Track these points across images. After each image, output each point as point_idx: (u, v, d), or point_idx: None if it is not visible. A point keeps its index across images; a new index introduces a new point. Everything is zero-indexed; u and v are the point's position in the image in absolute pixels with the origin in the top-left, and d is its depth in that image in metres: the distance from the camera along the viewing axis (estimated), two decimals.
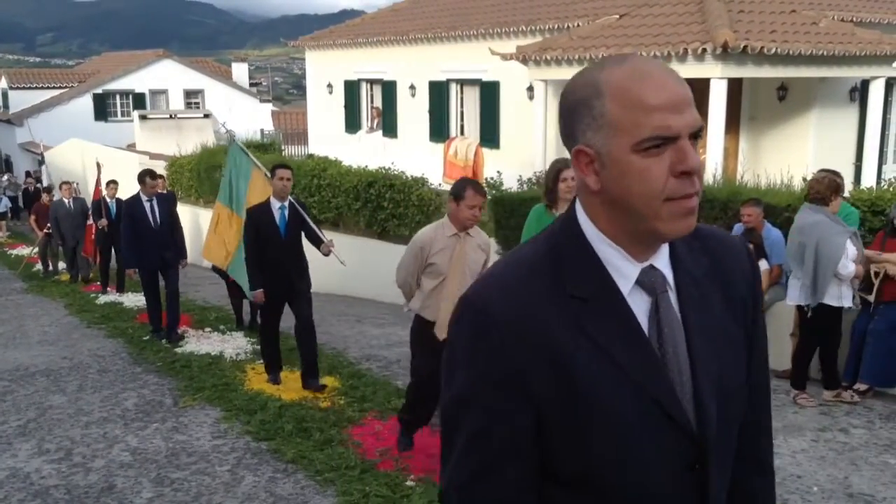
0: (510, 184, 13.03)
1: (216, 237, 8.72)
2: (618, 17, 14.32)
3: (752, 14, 12.86)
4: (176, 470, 5.21)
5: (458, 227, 4.94)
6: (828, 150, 13.03)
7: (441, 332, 4.78)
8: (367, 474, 4.91)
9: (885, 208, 7.33)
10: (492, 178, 13.68)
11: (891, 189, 7.84)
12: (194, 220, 15.78)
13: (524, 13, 17.07)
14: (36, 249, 16.29)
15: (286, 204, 6.80)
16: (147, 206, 8.75)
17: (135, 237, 8.73)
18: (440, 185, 15.74)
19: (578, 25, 14.79)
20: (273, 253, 6.62)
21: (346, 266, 7.69)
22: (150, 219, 8.72)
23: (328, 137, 22.25)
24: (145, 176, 8.87)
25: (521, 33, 16.01)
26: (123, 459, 5.43)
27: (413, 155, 17.81)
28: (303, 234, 6.94)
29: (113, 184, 12.62)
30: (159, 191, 9.16)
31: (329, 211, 13.16)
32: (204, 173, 16.84)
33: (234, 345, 8.48)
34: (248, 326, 9.37)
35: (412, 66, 19.18)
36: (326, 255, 7.03)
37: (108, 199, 12.50)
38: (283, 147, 22.24)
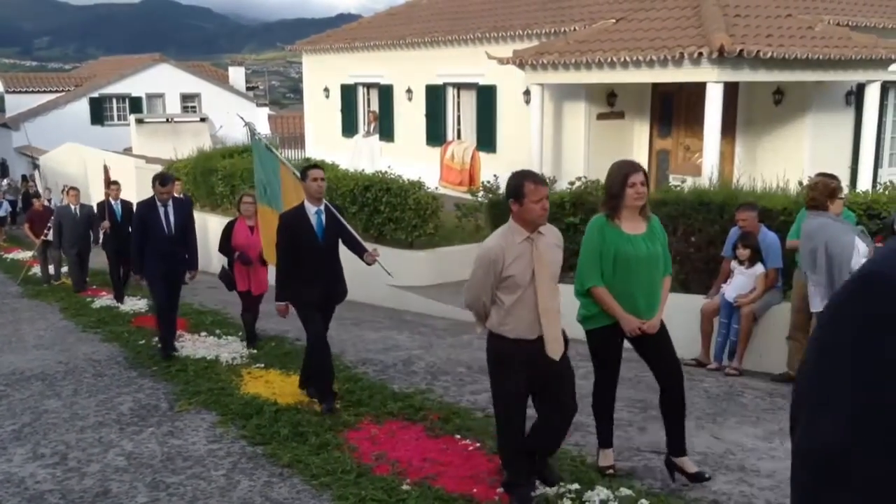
0: None
1: (267, 238, 8.06)
2: (615, 21, 14.34)
3: (748, 18, 12.89)
4: (171, 474, 5.19)
5: (528, 228, 4.38)
6: (824, 154, 13.05)
7: (554, 349, 4.39)
8: (362, 479, 4.90)
9: (880, 212, 7.35)
10: (488, 182, 13.67)
11: (886, 192, 7.85)
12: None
13: (521, 17, 17.09)
14: (34, 254, 15.82)
15: (322, 208, 6.33)
16: (161, 211, 8.23)
17: (144, 243, 8.24)
18: (437, 188, 15.76)
19: (575, 29, 14.81)
20: (311, 262, 6.21)
21: (392, 277, 7.32)
22: (164, 224, 8.20)
23: (325, 141, 22.25)
24: (155, 181, 8.42)
25: (517, 37, 16.02)
26: (118, 464, 5.41)
27: (410, 159, 17.81)
28: (339, 241, 6.54)
29: (115, 185, 12.35)
30: (175, 195, 8.90)
31: None
32: (200, 177, 16.82)
33: (230, 349, 8.46)
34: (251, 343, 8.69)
35: (409, 71, 19.18)
36: (370, 264, 6.55)
37: (111, 202, 12.20)
38: (279, 151, 22.18)
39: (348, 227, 6.54)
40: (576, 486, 4.67)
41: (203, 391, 6.93)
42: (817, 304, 6.43)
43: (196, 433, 5.95)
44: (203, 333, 9.34)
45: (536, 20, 16.48)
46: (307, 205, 6.32)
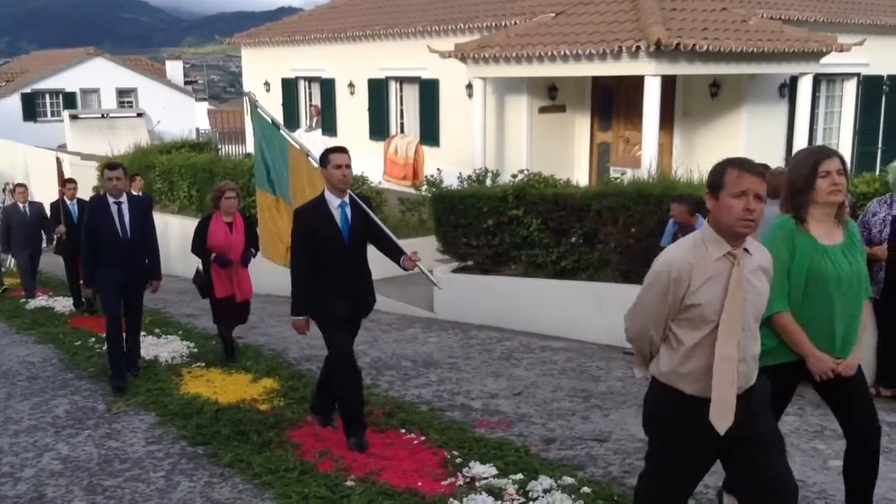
0: (450, 181, 13.04)
1: (267, 231, 7.08)
2: (554, 15, 14.44)
3: (685, 12, 13.11)
4: (109, 477, 5.08)
5: (730, 238, 3.09)
6: (759, 145, 13.35)
7: (719, 419, 3.07)
8: (306, 475, 4.86)
9: None
10: (432, 176, 13.69)
11: None
12: None
13: (462, 11, 17.11)
14: None
15: (347, 200, 5.29)
16: (114, 209, 6.94)
17: (95, 248, 6.95)
18: (380, 183, 15.70)
19: (516, 23, 14.88)
20: (334, 266, 5.20)
21: (441, 288, 6.51)
22: (117, 226, 6.94)
23: None
24: (104, 170, 7.20)
25: (459, 31, 16.04)
26: (54, 468, 5.27)
27: (353, 153, 17.67)
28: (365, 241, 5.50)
29: (71, 183, 11.09)
30: (134, 192, 8.20)
31: None
32: (138, 173, 16.46)
33: (170, 348, 8.30)
34: (231, 356, 7.81)
35: (351, 64, 19.06)
36: (409, 270, 5.49)
37: (66, 201, 10.95)
38: (219, 146, 21.87)
39: (380, 223, 5.51)
40: (520, 475, 4.70)
41: (141, 392, 6.79)
42: None
43: (134, 435, 5.83)
44: (141, 333, 9.13)
45: (477, 14, 16.52)
46: (329, 197, 5.25)
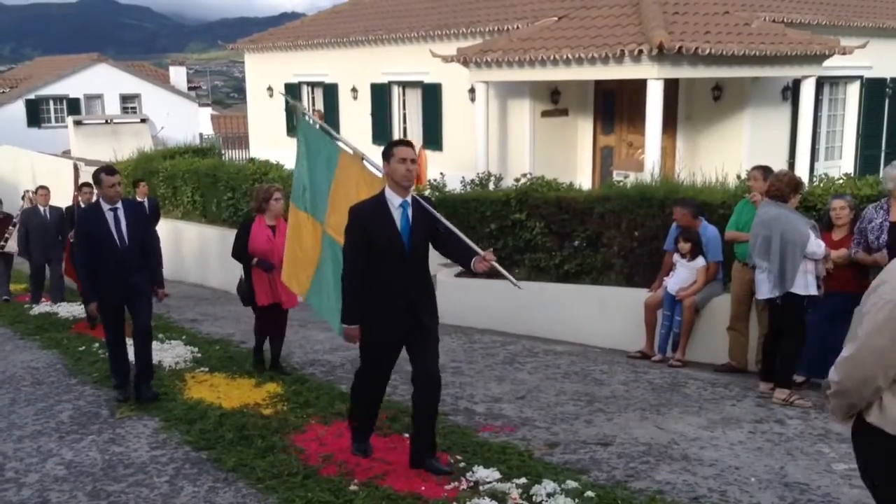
0: (453, 185, 13.03)
1: (292, 253, 6.11)
2: (556, 19, 14.46)
3: (687, 16, 13.12)
4: (113, 482, 5.08)
5: None
6: (762, 148, 13.34)
7: None
8: (309, 480, 4.86)
9: (816, 204, 7.54)
10: (435, 180, 13.66)
11: (821, 185, 8.05)
12: None
13: (464, 15, 17.13)
14: None
15: (409, 200, 4.77)
16: (110, 216, 6.51)
17: (91, 259, 6.54)
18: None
19: (518, 27, 14.89)
20: (391, 273, 4.70)
21: (521, 288, 6.31)
22: (115, 235, 6.49)
23: (269, 141, 22.01)
24: (101, 173, 6.61)
25: (461, 35, 16.05)
26: (58, 473, 5.28)
27: None
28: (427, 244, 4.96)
29: (88, 187, 10.46)
30: (139, 198, 7.99)
31: None
32: (143, 178, 16.49)
33: (174, 353, 8.30)
34: (274, 368, 7.48)
35: (353, 69, 19.09)
36: (483, 271, 4.84)
37: (82, 206, 10.19)
38: (223, 151, 21.93)
39: (447, 223, 4.89)
40: (523, 479, 4.69)
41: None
42: (765, 292, 6.55)
43: (138, 440, 5.83)
44: None
45: (480, 18, 16.54)
46: (389, 194, 4.73)
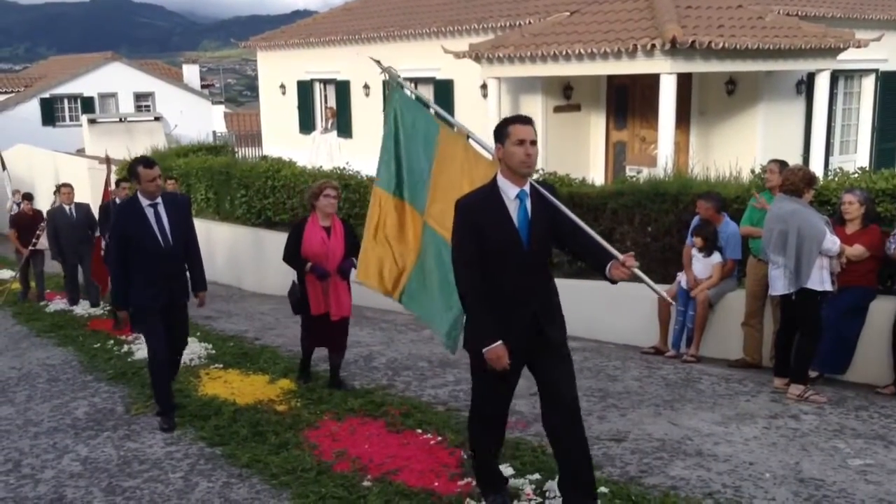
0: None
1: (373, 244, 5.32)
2: (569, 14, 14.41)
3: (700, 10, 13.04)
4: (128, 478, 5.11)
5: None
6: (776, 143, 13.25)
7: None
8: (322, 476, 4.88)
9: (830, 198, 7.48)
10: None
11: (836, 180, 7.99)
12: None
13: (476, 11, 17.10)
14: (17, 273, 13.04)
15: (527, 189, 3.99)
16: (150, 212, 5.88)
17: (126, 261, 5.86)
18: None
19: (530, 23, 14.85)
20: (509, 278, 3.92)
21: (672, 303, 5.48)
22: (156, 232, 5.87)
23: (282, 138, 22.07)
24: (137, 166, 5.87)
25: (473, 31, 16.03)
26: (74, 469, 5.32)
27: (368, 155, 17.72)
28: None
29: (125, 182, 9.94)
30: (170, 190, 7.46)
31: (284, 212, 13.03)
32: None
33: (188, 350, 8.24)
34: (333, 384, 6.75)
35: (366, 66, 19.00)
36: (621, 279, 3.99)
37: (118, 203, 9.62)
38: (236, 149, 22.00)
39: (574, 218, 4.09)
40: (536, 475, 4.69)
41: None
42: (780, 288, 6.51)
43: (153, 436, 5.86)
44: None
45: (491, 14, 16.51)
46: (503, 183, 3.96)
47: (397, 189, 5.29)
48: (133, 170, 5.90)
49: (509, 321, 3.94)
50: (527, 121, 3.96)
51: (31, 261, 12.42)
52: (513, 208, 3.95)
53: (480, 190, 4.09)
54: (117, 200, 9.73)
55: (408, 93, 5.43)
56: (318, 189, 6.55)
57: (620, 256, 3.95)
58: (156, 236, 5.86)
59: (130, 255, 5.84)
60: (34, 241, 12.18)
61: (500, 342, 3.87)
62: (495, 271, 3.93)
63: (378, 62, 5.60)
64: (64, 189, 11.47)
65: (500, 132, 3.97)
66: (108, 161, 10.45)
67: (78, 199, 11.69)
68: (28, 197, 13.47)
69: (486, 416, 4.19)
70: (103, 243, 9.95)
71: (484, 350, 3.89)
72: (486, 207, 3.94)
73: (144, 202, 5.91)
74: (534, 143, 3.92)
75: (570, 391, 4.06)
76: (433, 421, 5.78)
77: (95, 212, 11.27)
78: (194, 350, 8.31)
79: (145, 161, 5.96)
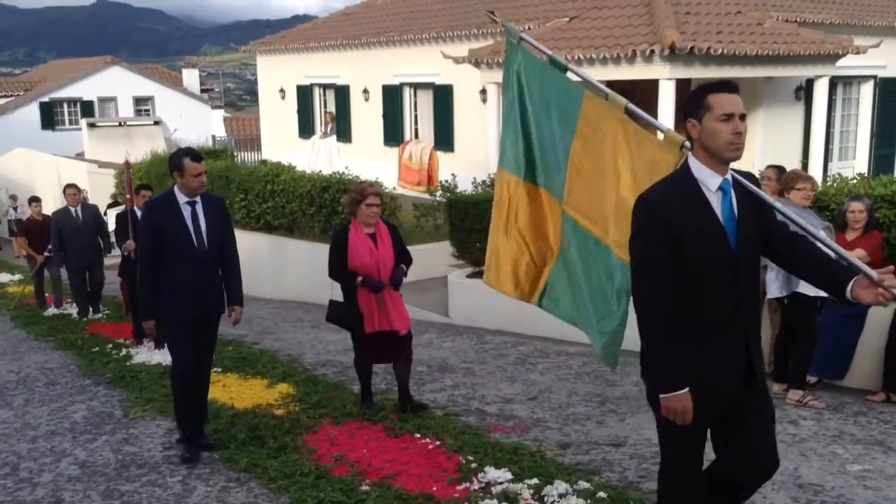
0: (465, 186, 13.05)
1: (510, 242, 4.47)
2: (568, 19, 14.44)
3: (699, 16, 13.08)
4: (126, 482, 5.10)
5: None
6: (775, 148, 13.29)
7: None
8: (321, 480, 4.87)
9: (829, 204, 7.49)
10: (446, 181, 13.68)
11: (835, 185, 8.00)
12: None
13: (475, 17, 17.13)
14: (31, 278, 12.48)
15: (730, 179, 3.10)
16: (187, 211, 5.22)
17: (154, 264, 5.18)
18: (395, 188, 15.74)
19: (529, 28, 14.88)
20: (715, 298, 3.05)
21: None
22: (192, 233, 5.19)
23: (282, 143, 22.09)
24: (184, 157, 5.18)
25: (472, 37, 16.06)
26: (72, 473, 5.31)
27: (367, 159, 17.76)
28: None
29: (146, 190, 9.30)
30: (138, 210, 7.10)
31: (283, 217, 13.03)
32: (155, 181, 16.58)
33: None
34: (406, 408, 6.00)
35: (365, 71, 19.13)
36: (874, 304, 3.00)
37: (137, 211, 8.80)
38: (235, 153, 22.03)
39: (796, 219, 3.23)
40: (535, 480, 4.69)
41: (158, 397, 6.82)
42: (775, 291, 6.52)
43: (151, 440, 5.85)
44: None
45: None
46: (699, 170, 3.09)
47: (528, 172, 4.37)
48: (177, 161, 5.17)
49: (711, 357, 3.06)
50: (733, 88, 3.07)
51: (45, 267, 11.92)
52: (715, 203, 3.07)
53: (668, 181, 3.19)
54: (137, 210, 8.90)
55: (529, 51, 4.43)
56: (360, 195, 5.79)
57: (874, 274, 2.92)
58: (191, 238, 5.17)
59: (160, 258, 5.18)
60: (49, 248, 11.35)
61: (685, 390, 3.03)
62: (694, 289, 3.04)
63: (492, 13, 4.83)
64: (69, 190, 10.76)
65: (697, 103, 3.08)
66: (128, 166, 9.86)
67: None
68: (35, 199, 13.03)
69: (677, 479, 3.27)
70: (117, 251, 9.35)
71: (662, 397, 3.09)
72: (681, 203, 3.05)
73: (182, 199, 5.21)
74: (743, 117, 3.04)
75: (772, 453, 3.19)
76: (431, 426, 5.77)
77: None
78: None
79: (192, 153, 5.26)
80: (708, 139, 3.05)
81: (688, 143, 3.40)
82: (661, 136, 3.77)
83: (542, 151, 4.30)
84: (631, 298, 3.22)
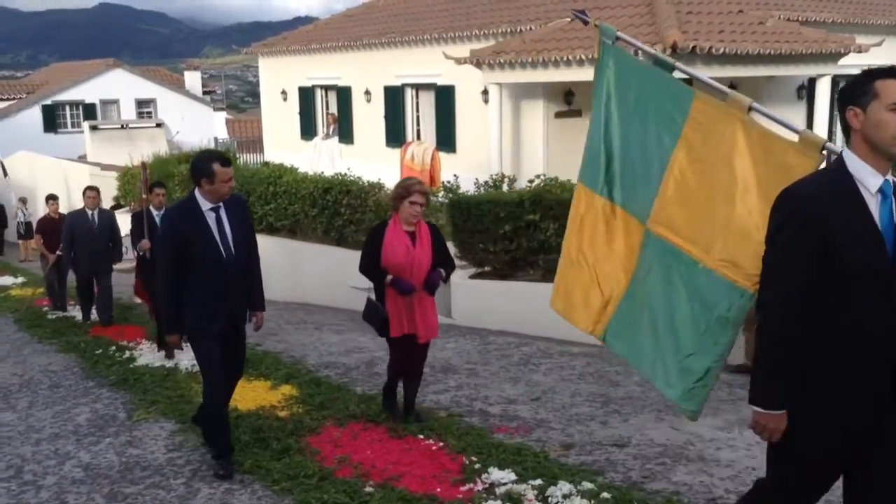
0: (467, 187, 13.05)
1: (580, 268, 4.16)
2: (569, 20, 14.42)
3: (701, 15, 13.07)
4: (130, 485, 5.11)
5: None
6: None
7: None
8: (325, 482, 4.87)
9: None
10: (448, 182, 13.69)
11: None
12: None
13: (477, 17, 17.14)
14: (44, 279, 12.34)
15: (891, 180, 2.72)
16: (210, 217, 4.96)
17: (177, 274, 4.92)
18: None
19: (531, 29, 14.88)
20: (862, 309, 2.62)
21: None
22: (218, 241, 4.94)
23: (284, 145, 22.11)
24: (212, 163, 4.89)
25: (474, 37, 16.06)
26: (75, 476, 5.31)
27: (369, 160, 17.77)
28: None
29: (160, 188, 9.12)
30: (154, 210, 7.20)
31: (286, 218, 13.06)
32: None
33: (191, 356, 8.26)
34: (409, 414, 5.92)
35: (367, 72, 19.13)
36: None
37: (153, 212, 8.83)
38: (237, 155, 22.06)
39: None
40: (539, 481, 4.68)
41: (162, 400, 6.83)
42: None
43: (155, 442, 5.86)
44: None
45: (492, 20, 16.54)
46: (857, 167, 2.71)
47: (606, 187, 3.98)
48: (206, 167, 4.85)
49: (857, 384, 2.64)
50: None
51: (57, 268, 11.72)
52: (873, 206, 2.65)
53: (819, 176, 2.81)
54: (153, 210, 8.86)
55: (613, 48, 4.10)
56: (406, 190, 5.47)
57: None
58: (217, 246, 4.91)
59: (184, 268, 4.91)
60: (61, 247, 11.18)
61: (782, 412, 2.73)
62: (839, 303, 2.63)
63: (582, 12, 4.48)
64: (89, 192, 10.55)
65: (860, 90, 2.71)
66: (143, 167, 9.76)
67: (78, 206, 11.40)
68: (52, 197, 12.83)
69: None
70: (133, 253, 9.23)
71: (757, 409, 2.75)
72: (836, 203, 2.64)
73: (205, 205, 4.93)
74: None
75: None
76: (435, 427, 5.77)
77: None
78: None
79: (221, 158, 4.98)
80: (872, 131, 2.67)
81: (830, 145, 3.12)
82: (795, 137, 3.35)
83: (624, 166, 3.93)
84: (740, 329, 2.78)
